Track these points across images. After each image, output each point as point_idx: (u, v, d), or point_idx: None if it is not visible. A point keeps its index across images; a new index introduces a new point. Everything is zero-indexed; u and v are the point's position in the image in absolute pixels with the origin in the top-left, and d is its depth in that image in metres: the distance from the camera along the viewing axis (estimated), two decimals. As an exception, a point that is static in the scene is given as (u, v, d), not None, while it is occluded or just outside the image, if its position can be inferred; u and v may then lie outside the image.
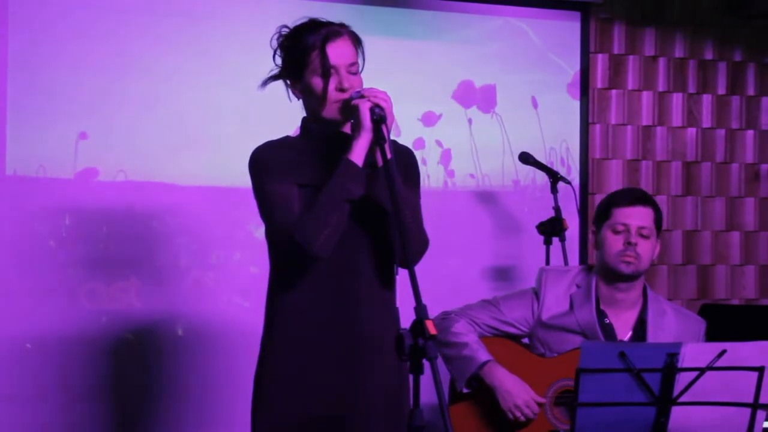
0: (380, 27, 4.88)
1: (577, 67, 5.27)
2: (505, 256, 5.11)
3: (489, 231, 5.09)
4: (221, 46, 4.65)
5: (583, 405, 2.83)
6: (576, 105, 5.27)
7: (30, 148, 4.42)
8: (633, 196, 3.55)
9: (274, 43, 2.85)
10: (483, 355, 3.47)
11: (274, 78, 2.88)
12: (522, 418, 3.44)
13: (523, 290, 3.66)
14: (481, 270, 5.06)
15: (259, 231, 4.63)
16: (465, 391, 3.49)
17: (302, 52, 2.79)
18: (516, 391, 3.45)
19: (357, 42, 2.84)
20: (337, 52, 2.77)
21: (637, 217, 3.49)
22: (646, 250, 3.49)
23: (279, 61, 2.86)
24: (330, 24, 2.82)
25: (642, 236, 3.48)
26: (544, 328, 3.54)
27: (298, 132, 2.93)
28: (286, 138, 2.91)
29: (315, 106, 2.82)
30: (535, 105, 5.18)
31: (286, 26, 2.85)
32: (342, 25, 2.84)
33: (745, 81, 5.64)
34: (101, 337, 4.50)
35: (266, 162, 2.82)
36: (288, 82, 2.87)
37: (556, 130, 5.21)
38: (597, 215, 3.59)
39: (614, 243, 3.49)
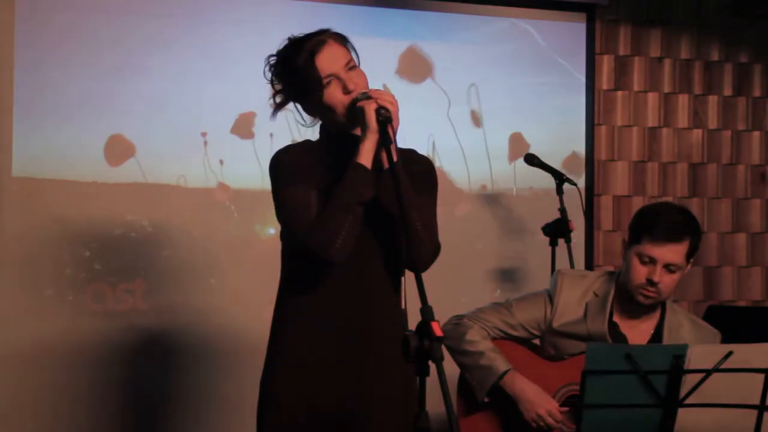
0: (386, 29, 4.88)
1: (583, 68, 5.27)
2: (511, 258, 5.10)
3: (495, 232, 5.09)
4: (225, 48, 4.66)
5: (588, 407, 2.82)
6: (582, 106, 5.26)
7: (36, 149, 4.43)
8: (669, 233, 3.29)
9: (268, 75, 2.83)
10: (502, 364, 3.43)
11: (281, 105, 2.86)
12: (545, 428, 3.43)
13: (537, 293, 3.60)
14: (486, 272, 5.06)
15: (266, 233, 4.65)
16: (486, 400, 3.45)
17: (297, 75, 2.76)
18: (538, 401, 3.41)
19: (343, 40, 2.81)
20: (328, 59, 2.75)
21: (667, 254, 3.29)
22: (670, 284, 3.33)
23: (277, 88, 2.82)
24: (309, 36, 2.79)
25: (669, 271, 3.32)
26: (556, 334, 3.50)
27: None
28: (307, 142, 2.89)
29: (330, 119, 2.81)
30: (539, 106, 5.18)
31: (272, 55, 2.82)
32: (321, 32, 2.80)
33: (751, 82, 5.63)
34: (105, 340, 4.50)
35: (285, 165, 2.80)
36: (297, 105, 2.85)
37: (562, 132, 5.21)
38: (631, 228, 3.39)
39: (638, 273, 3.33)
